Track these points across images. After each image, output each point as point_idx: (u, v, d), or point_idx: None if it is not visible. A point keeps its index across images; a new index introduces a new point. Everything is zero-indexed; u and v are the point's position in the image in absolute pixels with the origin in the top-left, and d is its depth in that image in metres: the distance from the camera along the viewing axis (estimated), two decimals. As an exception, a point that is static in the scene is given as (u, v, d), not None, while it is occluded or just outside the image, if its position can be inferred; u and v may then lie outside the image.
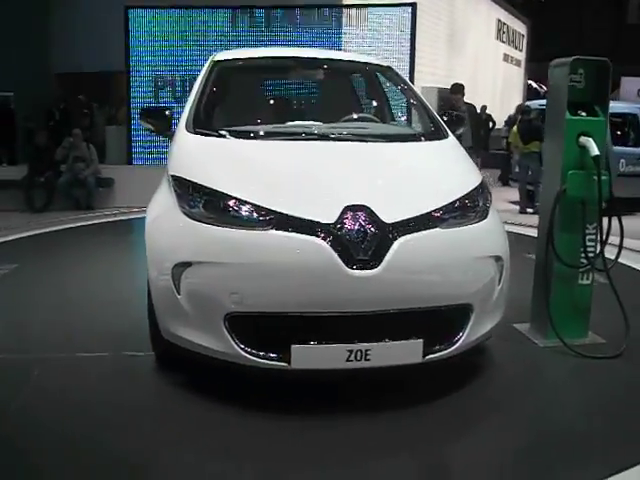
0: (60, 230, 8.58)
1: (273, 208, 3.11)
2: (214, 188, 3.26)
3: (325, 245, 2.99)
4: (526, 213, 10.58)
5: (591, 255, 4.03)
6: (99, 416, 3.19)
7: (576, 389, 3.69)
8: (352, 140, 3.86)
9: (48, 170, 10.51)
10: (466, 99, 10.16)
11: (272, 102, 5.44)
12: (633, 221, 9.61)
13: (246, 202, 3.16)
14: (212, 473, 2.77)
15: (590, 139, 3.89)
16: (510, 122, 15.58)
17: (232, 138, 3.80)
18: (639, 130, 11.12)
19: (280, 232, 3.04)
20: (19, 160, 12.70)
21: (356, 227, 3.05)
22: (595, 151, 3.83)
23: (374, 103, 5.39)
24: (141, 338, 3.78)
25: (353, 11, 12.48)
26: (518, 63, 26.23)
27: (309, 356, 3.01)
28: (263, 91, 5.47)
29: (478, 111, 16.66)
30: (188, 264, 3.11)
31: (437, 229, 3.21)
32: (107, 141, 13.10)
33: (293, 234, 3.03)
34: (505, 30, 23.48)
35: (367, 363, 3.02)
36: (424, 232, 3.16)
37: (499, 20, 22.71)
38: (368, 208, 3.12)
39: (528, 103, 13.11)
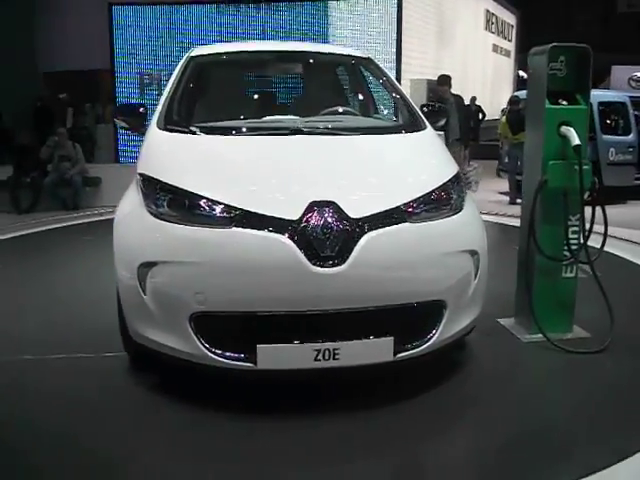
0: (46, 230, 8.48)
1: (236, 205, 3.04)
2: (178, 186, 3.20)
3: (289, 242, 2.92)
4: (516, 204, 10.46)
5: (574, 247, 3.93)
6: (71, 417, 3.15)
7: (557, 385, 3.59)
8: (325, 134, 3.75)
9: (34, 170, 10.37)
10: (456, 91, 10.07)
11: (249, 97, 5.31)
12: (622, 209, 9.62)
13: (209, 199, 3.09)
14: (189, 475, 2.72)
15: (571, 128, 3.79)
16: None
17: (202, 134, 3.75)
18: (628, 119, 11.03)
19: (243, 230, 2.98)
20: (6, 161, 12.56)
21: (321, 223, 2.96)
22: (576, 140, 3.73)
23: (355, 96, 5.29)
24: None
25: (340, 4, 12.38)
26: (508, 54, 26.15)
27: (275, 356, 2.95)
28: (240, 86, 5.33)
29: (467, 102, 16.60)
30: (153, 264, 3.06)
31: (407, 224, 3.12)
32: (97, 140, 13.00)
33: (256, 231, 2.96)
34: (494, 21, 23.39)
35: (336, 362, 2.95)
36: (393, 227, 3.07)
37: (487, 11, 22.60)
38: (334, 203, 3.03)
39: (517, 93, 13.01)
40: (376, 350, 3.03)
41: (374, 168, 3.45)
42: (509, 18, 25.57)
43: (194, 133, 3.77)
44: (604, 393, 3.44)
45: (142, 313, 3.15)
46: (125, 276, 3.22)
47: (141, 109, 4.44)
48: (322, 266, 2.92)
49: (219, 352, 3.00)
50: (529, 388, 3.51)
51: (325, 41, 11.94)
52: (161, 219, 3.14)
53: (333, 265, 2.92)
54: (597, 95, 10.92)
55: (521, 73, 27.15)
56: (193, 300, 2.95)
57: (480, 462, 2.90)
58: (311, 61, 5.06)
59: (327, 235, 2.94)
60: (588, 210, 3.95)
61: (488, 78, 23.11)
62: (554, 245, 3.96)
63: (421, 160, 3.67)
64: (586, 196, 3.90)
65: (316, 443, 2.92)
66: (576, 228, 3.94)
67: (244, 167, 3.37)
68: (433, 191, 3.30)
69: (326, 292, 2.93)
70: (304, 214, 2.98)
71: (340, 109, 4.56)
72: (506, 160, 11.53)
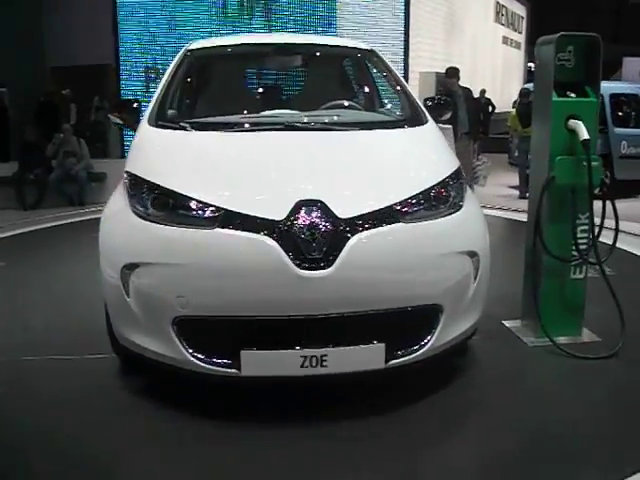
0: (52, 227, 8.36)
1: (220, 205, 2.91)
2: (161, 184, 3.09)
3: (273, 244, 2.78)
4: (526, 198, 10.17)
5: (583, 247, 3.74)
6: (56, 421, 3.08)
7: (562, 393, 3.38)
8: (320, 129, 3.62)
9: (39, 166, 10.30)
10: (465, 83, 9.88)
11: (248, 91, 5.18)
12: (634, 203, 9.40)
13: (192, 199, 2.97)
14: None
15: (579, 122, 3.60)
16: None
17: (192, 131, 3.62)
18: (641, 111, 10.81)
19: (227, 230, 2.85)
20: (13, 157, 12.50)
21: (307, 224, 2.82)
22: (585, 135, 3.54)
23: (358, 89, 5.13)
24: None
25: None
26: (518, 45, 25.87)
27: (260, 362, 2.84)
28: (239, 80, 5.18)
29: (477, 95, 16.39)
30: (136, 265, 2.96)
31: (400, 224, 2.95)
32: (109, 135, 12.93)
33: (240, 232, 2.83)
34: (504, 12, 23.12)
35: (324, 370, 2.81)
36: (384, 227, 2.90)
37: (497, 2, 22.33)
38: (322, 203, 2.88)
39: (527, 85, 12.78)
40: (366, 357, 2.88)
41: (367, 165, 3.28)
42: (519, 10, 25.29)
43: (185, 129, 3.64)
44: (614, 402, 3.26)
45: (126, 316, 3.05)
46: (109, 277, 3.12)
47: (135, 105, 4.40)
48: (308, 269, 2.77)
49: (202, 357, 2.89)
50: (532, 396, 3.33)
51: (333, 34, 11.78)
52: (145, 219, 3.04)
53: (320, 268, 2.78)
54: (609, 87, 10.69)
55: (531, 65, 26.84)
56: (175, 303, 2.84)
57: (483, 471, 2.76)
58: (312, 54, 4.90)
59: (313, 236, 2.80)
60: (598, 204, 3.74)
61: (498, 70, 22.86)
62: (562, 245, 3.77)
63: (418, 156, 3.49)
64: (596, 191, 3.71)
65: (316, 451, 2.80)
66: (585, 227, 3.75)
67: (231, 165, 3.24)
68: (429, 189, 3.13)
69: (312, 296, 2.79)
70: (290, 214, 2.84)
71: (342, 103, 4.41)
72: (516, 154, 11.32)
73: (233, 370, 2.84)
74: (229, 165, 3.23)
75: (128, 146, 11.78)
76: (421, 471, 2.78)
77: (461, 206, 3.22)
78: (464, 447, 2.92)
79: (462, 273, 3.10)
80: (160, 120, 3.76)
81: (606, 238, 3.88)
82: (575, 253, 3.77)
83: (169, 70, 4.40)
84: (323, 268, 2.78)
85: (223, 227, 2.85)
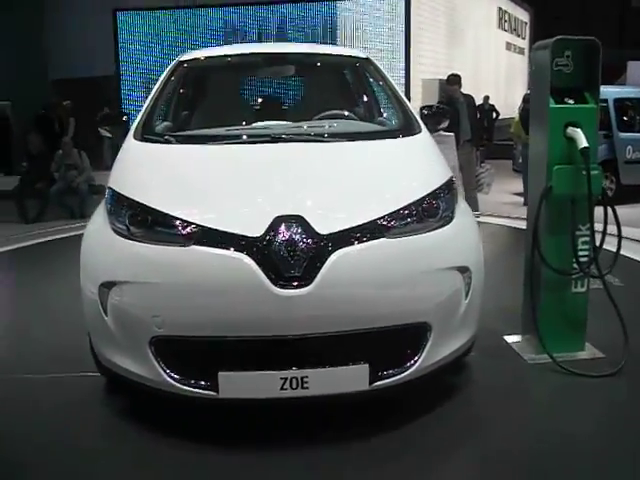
0: (53, 240, 8.22)
1: (196, 221, 2.81)
2: (139, 201, 3.00)
3: (249, 261, 2.68)
4: (530, 206, 10.12)
5: (584, 260, 3.59)
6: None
7: (559, 414, 3.20)
8: (307, 141, 3.51)
9: (41, 179, 10.26)
10: (469, 90, 9.77)
11: (240, 102, 5.08)
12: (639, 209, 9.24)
13: (169, 215, 2.87)
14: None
15: (578, 130, 3.45)
16: None
17: (176, 144, 3.55)
18: (646, 116, 10.66)
19: (202, 248, 2.75)
20: (15, 171, 12.47)
21: (285, 240, 2.70)
22: (583, 143, 3.39)
23: (353, 98, 5.00)
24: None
25: (348, 3, 12.16)
26: (521, 51, 25.75)
27: (238, 385, 2.74)
28: (231, 91, 5.08)
29: (480, 102, 16.27)
30: (113, 283, 2.88)
31: (384, 239, 2.82)
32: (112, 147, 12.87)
33: (216, 250, 2.73)
34: (507, 18, 23.02)
35: (305, 392, 2.71)
36: (367, 243, 2.78)
37: (500, 8, 22.24)
38: (301, 218, 2.76)
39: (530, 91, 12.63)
40: (349, 378, 2.76)
41: (352, 178, 3.14)
42: (522, 15, 25.19)
43: (169, 142, 3.57)
44: (615, 425, 3.09)
45: (104, 335, 2.99)
46: (88, 295, 3.04)
47: (124, 117, 4.35)
48: (286, 287, 2.66)
49: (180, 379, 2.80)
50: (526, 418, 3.16)
51: (334, 41, 11.71)
52: (123, 236, 2.96)
53: (298, 286, 2.67)
54: (613, 92, 10.55)
55: (536, 71, 26.68)
56: (152, 323, 2.76)
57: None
58: (306, 63, 4.83)
59: (292, 253, 2.69)
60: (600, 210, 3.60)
61: (502, 76, 22.74)
62: (562, 257, 3.61)
63: (407, 168, 3.35)
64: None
65: (307, 472, 2.72)
66: (586, 238, 3.59)
67: (211, 179, 3.14)
68: (415, 202, 2.98)
69: (290, 315, 2.68)
70: (267, 230, 2.73)
71: (336, 113, 4.30)
72: (520, 160, 11.18)
73: (211, 392, 2.75)
74: (208, 180, 3.14)
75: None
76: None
77: (452, 219, 3.08)
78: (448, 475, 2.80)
79: (452, 289, 2.96)
80: (146, 133, 3.69)
81: (610, 245, 3.70)
82: (576, 266, 3.61)
83: (159, 82, 4.33)
84: (302, 286, 2.67)
85: (199, 244, 2.75)
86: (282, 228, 2.73)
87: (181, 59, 4.54)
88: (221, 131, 3.75)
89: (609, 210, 3.58)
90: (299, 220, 2.75)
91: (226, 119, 4.07)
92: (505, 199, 10.80)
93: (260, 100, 5.35)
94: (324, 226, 2.76)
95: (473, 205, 9.19)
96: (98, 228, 3.18)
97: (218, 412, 3.07)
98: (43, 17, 17.86)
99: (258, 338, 2.73)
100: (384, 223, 2.85)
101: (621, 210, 3.67)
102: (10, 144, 14.44)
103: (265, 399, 2.76)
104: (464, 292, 3.00)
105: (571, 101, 3.55)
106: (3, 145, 14.20)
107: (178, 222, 2.83)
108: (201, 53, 4.91)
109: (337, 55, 4.96)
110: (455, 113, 9.35)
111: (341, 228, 2.77)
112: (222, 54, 4.89)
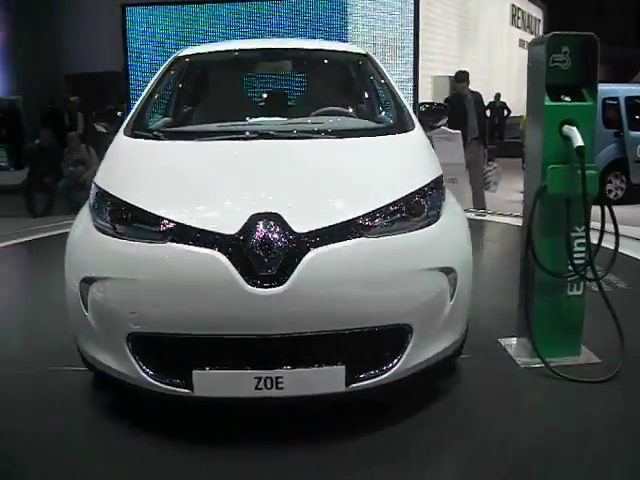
0: (60, 234, 8.17)
1: (173, 218, 2.79)
2: (119, 197, 3.00)
3: (223, 259, 2.65)
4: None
5: (579, 262, 3.49)
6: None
7: (548, 422, 3.09)
8: (296, 138, 3.46)
9: (49, 174, 10.31)
10: (481, 87, 9.66)
11: (235, 98, 5.00)
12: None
13: (147, 212, 2.86)
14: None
15: (574, 128, 3.34)
16: None
17: (163, 140, 3.58)
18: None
19: (178, 245, 2.74)
20: (25, 164, 12.56)
21: (261, 238, 2.66)
22: (579, 141, 3.28)
23: (351, 94, 4.93)
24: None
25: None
26: (535, 49, 25.49)
27: (213, 383, 2.72)
28: (226, 87, 5.03)
29: (492, 99, 16.15)
30: (93, 279, 2.89)
31: (363, 238, 2.75)
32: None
33: (191, 247, 2.71)
34: (520, 15, 22.84)
35: (280, 392, 2.68)
36: (345, 242, 2.72)
37: (513, 5, 22.06)
38: (278, 216, 2.72)
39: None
40: (325, 380, 2.72)
41: (335, 176, 3.08)
42: (536, 12, 25.00)
43: (157, 138, 3.59)
44: (609, 435, 2.98)
45: (85, 331, 3.00)
46: (70, 290, 3.05)
47: (118, 113, 4.35)
48: (260, 286, 2.63)
49: (156, 376, 2.80)
50: (511, 422, 3.08)
51: (344, 37, 11.62)
52: (103, 232, 2.97)
53: (272, 285, 2.63)
54: (624, 90, 10.42)
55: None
56: (129, 319, 2.76)
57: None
58: (303, 58, 4.78)
59: (266, 251, 2.65)
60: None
61: (514, 74, 22.56)
62: (556, 259, 3.50)
63: (392, 166, 3.26)
64: None
65: (293, 473, 2.69)
66: (582, 240, 3.49)
67: (192, 176, 3.12)
68: (398, 201, 2.90)
69: (264, 314, 2.65)
70: (243, 228, 2.69)
71: (332, 109, 4.24)
72: (528, 158, 11.04)
73: (186, 390, 2.74)
74: (189, 176, 3.12)
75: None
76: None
77: (438, 218, 3.01)
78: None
79: (435, 291, 2.89)
80: (136, 129, 3.69)
81: (609, 243, 3.56)
82: (571, 268, 3.51)
83: (155, 77, 4.33)
84: (275, 285, 2.63)
85: (175, 241, 2.74)
86: (258, 226, 2.69)
87: (178, 55, 4.54)
88: (210, 127, 3.74)
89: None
90: (275, 218, 2.71)
91: (221, 115, 4.05)
92: (513, 197, 10.69)
93: (256, 96, 5.30)
94: (301, 224, 2.71)
95: (480, 203, 9.10)
96: (82, 224, 3.19)
97: (203, 411, 3.04)
98: (55, 15, 17.96)
99: (232, 337, 2.70)
100: (363, 222, 2.79)
101: (631, 210, 3.56)
102: (21, 138, 14.52)
103: (240, 398, 2.74)
104: (449, 294, 2.93)
105: (568, 98, 3.44)
106: (15, 139, 14.31)
107: (155, 219, 2.82)
108: (198, 49, 4.87)
109: (336, 51, 4.87)
110: (463, 110, 9.28)
111: (318, 227, 2.72)
112: (219, 50, 4.86)
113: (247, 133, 3.51)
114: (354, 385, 2.74)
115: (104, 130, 4.34)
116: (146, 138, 3.59)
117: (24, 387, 3.53)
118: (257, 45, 5.11)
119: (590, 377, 3.39)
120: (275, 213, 2.73)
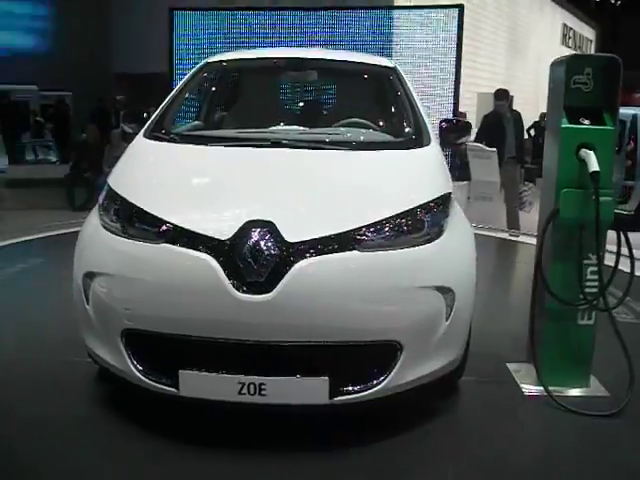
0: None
1: (170, 220, 2.85)
2: (123, 196, 3.10)
3: (214, 263, 2.68)
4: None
5: (590, 291, 3.37)
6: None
7: (536, 449, 3.01)
8: (306, 147, 3.44)
9: (90, 168, 10.54)
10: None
11: (260, 105, 5.04)
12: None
13: (146, 212, 2.94)
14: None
15: (591, 152, 3.24)
16: None
17: (179, 143, 3.66)
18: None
19: (173, 247, 2.79)
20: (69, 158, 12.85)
21: (252, 245, 2.69)
22: (594, 166, 3.18)
23: (375, 107, 4.90)
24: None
25: (402, 13, 12.03)
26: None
27: (198, 384, 2.76)
28: (252, 94, 5.12)
29: (537, 119, 15.89)
30: (94, 274, 2.99)
31: (354, 252, 2.74)
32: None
33: (184, 249, 2.76)
34: (571, 35, 22.49)
35: (262, 399, 2.69)
36: (335, 255, 2.71)
37: (565, 25, 21.74)
38: (272, 224, 2.74)
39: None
40: (308, 391, 2.71)
41: (335, 187, 3.08)
42: (588, 33, 24.60)
43: (172, 141, 3.67)
44: (612, 476, 2.85)
45: (86, 324, 3.08)
46: (76, 283, 3.13)
47: (145, 114, 4.41)
48: (246, 292, 2.65)
49: (146, 373, 2.86)
50: (503, 460, 2.94)
51: (387, 52, 11.59)
52: (107, 230, 3.06)
53: (259, 292, 2.65)
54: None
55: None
56: (123, 315, 2.85)
57: None
58: (330, 69, 4.78)
59: (256, 259, 2.67)
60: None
61: (563, 94, 22.24)
62: (568, 286, 3.39)
63: (397, 180, 3.22)
64: None
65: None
66: (594, 268, 3.37)
67: (195, 179, 3.22)
68: (394, 216, 2.88)
69: (249, 321, 2.67)
70: (236, 234, 2.72)
71: (355, 121, 4.23)
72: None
73: (172, 389, 2.78)
74: (192, 179, 3.21)
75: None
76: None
77: (439, 236, 2.96)
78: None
79: (429, 310, 2.84)
80: (155, 131, 3.79)
81: (625, 266, 3.44)
82: (582, 296, 3.40)
83: (183, 80, 4.42)
84: (262, 293, 2.65)
85: (170, 243, 2.79)
86: (250, 233, 2.72)
87: (209, 60, 4.63)
88: (226, 133, 3.82)
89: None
90: (269, 226, 2.73)
91: (244, 121, 4.14)
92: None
93: (281, 104, 5.32)
94: (293, 234, 2.72)
95: (513, 223, 8.95)
96: (92, 221, 3.27)
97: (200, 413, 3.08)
98: (109, 15, 18.37)
99: (218, 340, 2.72)
100: (357, 235, 2.78)
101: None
102: (68, 133, 14.86)
103: (223, 401, 2.75)
104: (445, 314, 2.87)
105: (587, 121, 3.34)
106: (62, 134, 14.68)
107: (154, 220, 2.88)
108: (228, 55, 4.96)
109: (362, 63, 4.86)
110: (501, 129, 9.15)
111: (309, 237, 2.72)
112: (247, 57, 4.97)
113: (259, 141, 3.53)
114: (338, 398, 2.73)
115: (130, 130, 4.43)
116: (161, 140, 3.68)
117: (51, 374, 3.63)
118: (285, 54, 5.19)
119: (592, 410, 3.27)
120: (269, 221, 2.74)
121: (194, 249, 2.73)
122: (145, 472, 2.78)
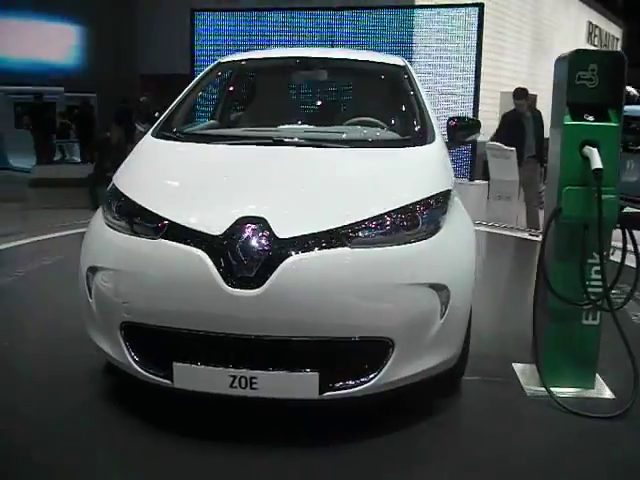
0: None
1: (167, 216, 2.92)
2: (124, 192, 3.19)
3: (206, 259, 2.74)
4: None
5: (594, 291, 3.31)
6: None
7: (532, 450, 2.97)
8: (308, 145, 3.49)
9: (113, 168, 10.59)
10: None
11: (269, 104, 5.08)
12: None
13: (145, 209, 3.01)
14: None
15: (594, 149, 3.18)
16: None
17: (183, 142, 3.75)
18: None
19: (167, 242, 2.86)
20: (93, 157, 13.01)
21: (243, 241, 2.74)
22: (597, 164, 3.12)
23: (384, 105, 4.88)
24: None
25: (423, 12, 11.99)
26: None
27: (191, 376, 2.82)
28: (263, 92, 5.21)
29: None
30: (96, 269, 3.08)
31: (345, 248, 2.75)
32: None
33: (178, 244, 2.83)
34: (597, 33, 22.18)
35: (253, 392, 2.74)
36: (325, 251, 2.74)
37: (590, 23, 21.45)
38: (264, 220, 2.79)
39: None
40: (298, 385, 2.75)
41: (331, 184, 3.12)
42: (614, 31, 24.23)
43: (177, 139, 3.76)
44: (612, 476, 2.80)
45: (89, 316, 3.17)
46: (81, 278, 3.22)
47: (156, 114, 4.49)
48: (237, 287, 2.69)
49: (143, 365, 2.93)
50: (501, 460, 2.90)
51: (408, 51, 11.55)
52: (109, 226, 3.15)
53: (249, 287, 2.68)
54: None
55: (628, 88, 25.64)
56: (122, 309, 2.93)
57: None
58: (341, 68, 4.83)
59: (247, 254, 2.72)
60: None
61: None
62: (571, 285, 3.33)
63: (395, 178, 3.22)
64: None
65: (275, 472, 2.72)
66: (599, 267, 3.30)
67: (194, 177, 3.27)
68: (389, 212, 2.88)
69: (240, 315, 2.71)
70: (229, 230, 2.78)
71: (364, 119, 4.25)
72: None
73: (167, 381, 2.85)
74: (192, 177, 3.26)
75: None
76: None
77: (435, 233, 2.94)
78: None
79: (422, 307, 2.83)
80: (163, 129, 3.87)
81: (630, 261, 3.35)
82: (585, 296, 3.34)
83: (194, 80, 4.52)
84: (252, 288, 2.68)
85: (166, 238, 2.86)
86: (243, 229, 2.76)
87: (221, 60, 4.71)
88: (229, 131, 3.89)
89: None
90: (261, 222, 2.78)
91: (254, 120, 4.23)
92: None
93: (291, 103, 5.38)
94: (284, 230, 2.76)
95: (533, 222, 8.85)
96: (98, 217, 3.35)
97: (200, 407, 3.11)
98: (135, 16, 18.56)
99: (210, 334, 2.77)
100: (348, 232, 2.79)
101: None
102: (92, 134, 15.05)
103: (215, 394, 2.80)
104: (439, 311, 2.85)
105: (590, 118, 3.28)
106: (87, 134, 14.89)
107: (152, 216, 2.95)
108: (240, 55, 5.04)
109: (372, 61, 4.86)
110: (520, 128, 9.06)
111: (300, 233, 2.75)
112: (258, 57, 5.03)
113: (262, 139, 3.58)
114: (328, 393, 2.75)
115: (143, 129, 4.48)
116: (168, 139, 3.75)
117: (69, 367, 3.70)
118: (295, 53, 5.21)
119: (595, 412, 3.21)
120: (261, 217, 2.79)
121: (188, 244, 2.79)
122: (143, 466, 2.83)
